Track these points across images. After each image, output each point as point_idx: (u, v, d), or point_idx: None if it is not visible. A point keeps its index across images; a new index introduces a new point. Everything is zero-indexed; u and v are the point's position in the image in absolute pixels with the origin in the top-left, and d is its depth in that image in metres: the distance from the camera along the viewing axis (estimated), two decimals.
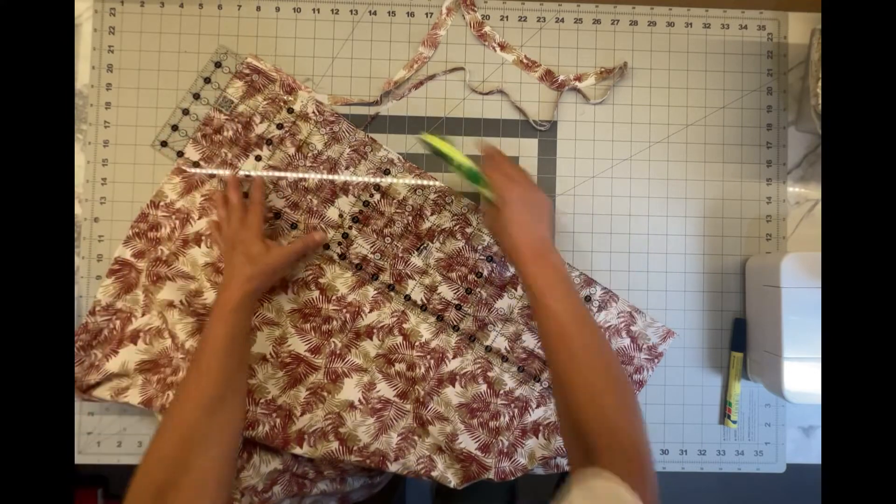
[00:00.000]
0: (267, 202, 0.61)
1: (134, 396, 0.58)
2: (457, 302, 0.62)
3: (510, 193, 0.51)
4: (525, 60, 0.64)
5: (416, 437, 0.60)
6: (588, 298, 0.63)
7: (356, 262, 0.62)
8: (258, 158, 0.62)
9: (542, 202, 0.53)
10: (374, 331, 0.61)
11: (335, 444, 0.59)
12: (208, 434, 0.46)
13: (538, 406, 0.62)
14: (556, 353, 0.47)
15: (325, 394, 0.60)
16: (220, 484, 0.46)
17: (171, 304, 0.59)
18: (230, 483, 0.48)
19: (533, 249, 0.50)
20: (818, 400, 0.55)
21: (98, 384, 0.59)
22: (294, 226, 0.62)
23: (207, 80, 0.62)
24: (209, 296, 0.60)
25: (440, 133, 0.58)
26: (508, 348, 0.62)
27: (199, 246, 0.60)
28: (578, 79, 0.64)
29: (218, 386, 0.48)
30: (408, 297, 0.62)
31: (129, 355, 0.59)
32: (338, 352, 0.61)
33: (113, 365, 0.59)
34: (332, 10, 0.63)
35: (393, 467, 0.60)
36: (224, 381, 0.49)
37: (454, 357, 0.62)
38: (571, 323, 0.47)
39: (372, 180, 0.62)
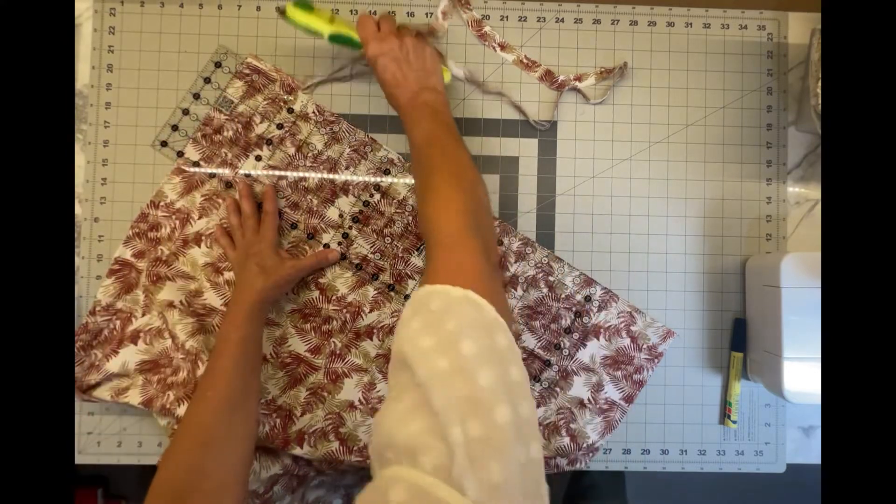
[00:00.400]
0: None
1: (134, 397, 0.58)
2: None
3: (374, 51, 0.53)
4: (525, 60, 0.64)
5: None
6: (588, 298, 0.63)
7: (356, 262, 0.62)
8: (258, 158, 0.62)
9: (411, 51, 0.53)
10: (375, 331, 0.61)
11: (335, 444, 0.59)
12: (226, 438, 0.46)
13: (538, 406, 0.62)
14: (416, 179, 0.48)
15: (326, 394, 0.60)
16: (239, 487, 0.46)
17: (171, 305, 0.59)
18: (247, 485, 0.49)
19: (406, 97, 0.52)
20: (818, 400, 0.55)
21: (98, 384, 0.59)
22: (294, 226, 0.62)
23: (207, 80, 0.62)
24: (209, 296, 0.60)
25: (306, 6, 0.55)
26: None
27: (199, 246, 0.60)
28: (578, 79, 0.64)
29: (234, 390, 0.49)
30: (408, 297, 0.62)
31: (129, 355, 0.59)
32: (338, 352, 0.61)
33: (113, 365, 0.59)
34: (333, 10, 0.63)
35: None
36: (240, 386, 0.49)
37: None
38: (424, 146, 0.48)
39: (372, 180, 0.62)
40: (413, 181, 0.62)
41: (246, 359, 0.51)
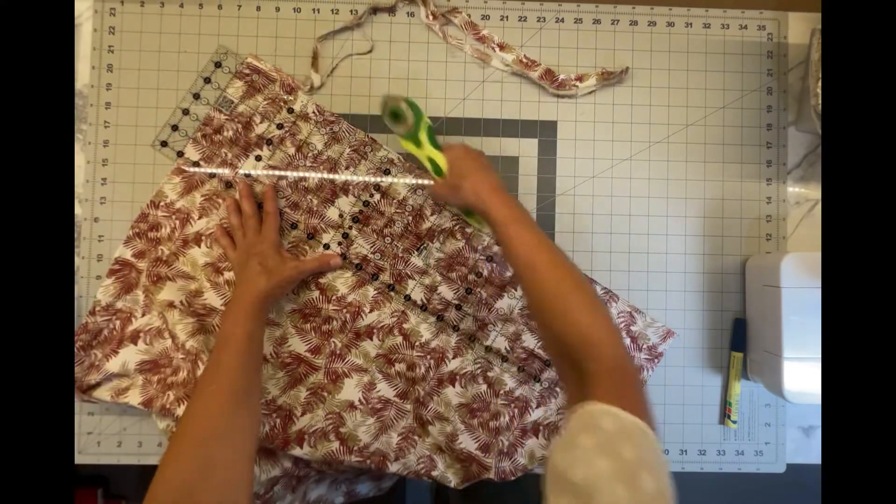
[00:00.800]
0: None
1: (134, 397, 0.58)
2: (457, 302, 0.62)
3: (465, 153, 0.55)
4: (525, 60, 0.64)
5: (416, 437, 0.60)
6: None
7: (356, 262, 0.62)
8: (258, 158, 0.62)
9: (483, 156, 0.56)
10: (374, 331, 0.61)
11: (336, 444, 0.59)
12: (230, 433, 0.46)
13: (538, 406, 0.62)
14: (531, 278, 0.48)
15: (326, 394, 0.60)
16: (245, 482, 0.46)
17: (171, 305, 0.59)
18: (252, 481, 0.48)
19: (492, 187, 0.52)
20: (818, 400, 0.55)
21: (98, 384, 0.59)
22: (294, 226, 0.62)
23: (207, 80, 0.62)
24: (209, 296, 0.60)
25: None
26: (508, 348, 0.62)
27: (199, 246, 0.60)
28: (579, 79, 0.64)
29: (238, 385, 0.49)
30: (408, 297, 0.62)
31: (129, 355, 0.59)
32: (338, 352, 0.61)
33: (113, 365, 0.59)
34: (332, 10, 0.63)
35: (393, 467, 0.60)
36: (244, 381, 0.49)
37: (454, 357, 0.62)
38: (536, 245, 0.48)
39: (372, 180, 0.62)
40: (413, 181, 0.62)
41: (249, 355, 0.51)
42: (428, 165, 0.56)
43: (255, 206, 0.60)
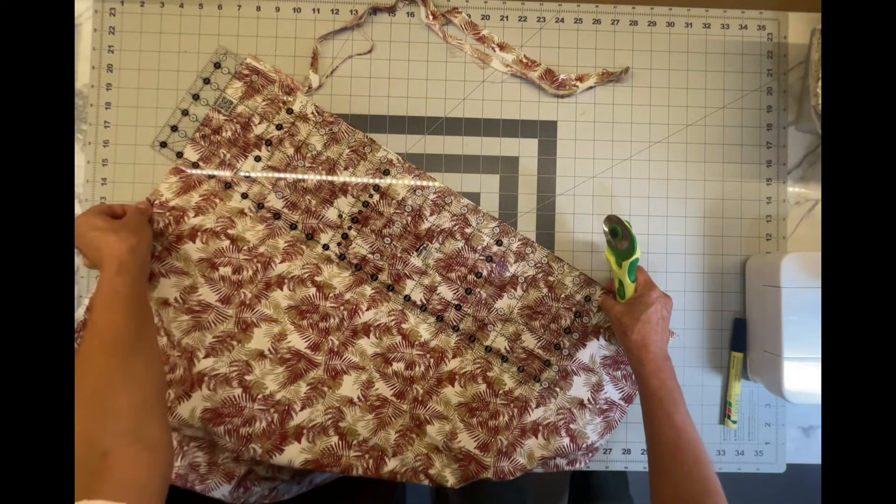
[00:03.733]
0: (265, 202, 0.61)
1: None
2: (456, 302, 0.62)
3: (657, 301, 0.55)
4: (525, 60, 0.64)
5: (413, 436, 0.61)
6: (588, 298, 0.63)
7: (355, 262, 0.62)
8: (257, 159, 0.62)
9: (669, 314, 0.57)
10: (372, 329, 0.61)
11: (335, 439, 0.59)
12: (127, 381, 0.45)
13: (538, 406, 0.62)
14: (670, 464, 0.49)
15: (326, 389, 0.60)
16: (159, 423, 0.44)
17: (165, 303, 0.59)
18: (167, 427, 0.46)
19: (661, 356, 0.53)
20: (818, 400, 0.55)
21: None
22: (293, 226, 0.62)
23: (207, 81, 0.62)
24: (203, 291, 0.60)
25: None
26: (508, 348, 0.62)
27: (194, 241, 0.60)
28: (580, 79, 0.64)
29: (125, 338, 0.47)
30: (407, 298, 0.62)
31: None
32: (335, 349, 0.61)
33: None
34: (332, 10, 0.63)
35: (391, 463, 0.60)
36: (133, 335, 0.48)
37: (454, 357, 0.62)
38: (690, 436, 0.50)
39: (371, 181, 0.62)
40: (412, 182, 0.62)
41: (131, 313, 0.49)
42: (616, 285, 0.59)
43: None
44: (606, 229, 0.58)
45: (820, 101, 0.58)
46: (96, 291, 0.50)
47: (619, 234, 0.57)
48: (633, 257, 0.56)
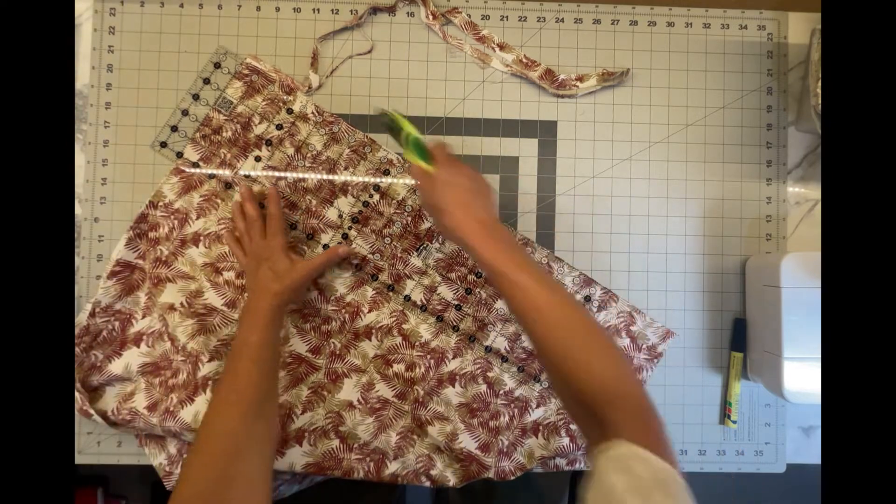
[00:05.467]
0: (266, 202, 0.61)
1: (140, 401, 0.58)
2: (456, 302, 0.62)
3: (454, 176, 0.50)
4: (525, 60, 0.64)
5: (414, 437, 0.61)
6: (588, 298, 0.63)
7: (355, 262, 0.62)
8: (258, 159, 0.62)
9: (486, 187, 0.52)
10: (373, 331, 0.61)
11: (336, 442, 0.59)
12: (252, 444, 0.46)
13: (538, 406, 0.62)
14: (534, 325, 0.45)
15: (326, 393, 0.60)
16: (263, 494, 0.45)
17: (171, 307, 0.59)
18: (270, 492, 0.48)
19: (483, 228, 0.48)
20: (818, 400, 0.55)
21: (100, 386, 0.59)
22: (293, 226, 0.62)
23: (207, 81, 0.62)
24: (209, 295, 0.60)
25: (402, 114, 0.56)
26: (508, 348, 0.62)
27: (198, 246, 0.60)
28: (580, 79, 0.64)
29: (255, 395, 0.48)
30: (407, 298, 0.62)
31: (132, 358, 0.59)
32: (337, 352, 0.61)
33: (116, 367, 0.59)
34: (332, 10, 0.63)
35: (392, 466, 0.60)
36: (261, 390, 0.49)
37: (454, 357, 0.62)
38: (540, 290, 0.45)
39: (371, 180, 0.62)
40: (412, 182, 0.62)
41: (265, 363, 0.51)
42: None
43: (258, 209, 0.60)
44: (385, 122, 0.55)
45: (820, 101, 0.58)
46: (239, 334, 0.52)
47: (392, 128, 0.53)
48: (404, 134, 0.52)
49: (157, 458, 0.59)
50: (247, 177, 0.62)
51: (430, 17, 0.63)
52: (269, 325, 0.52)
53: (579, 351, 0.43)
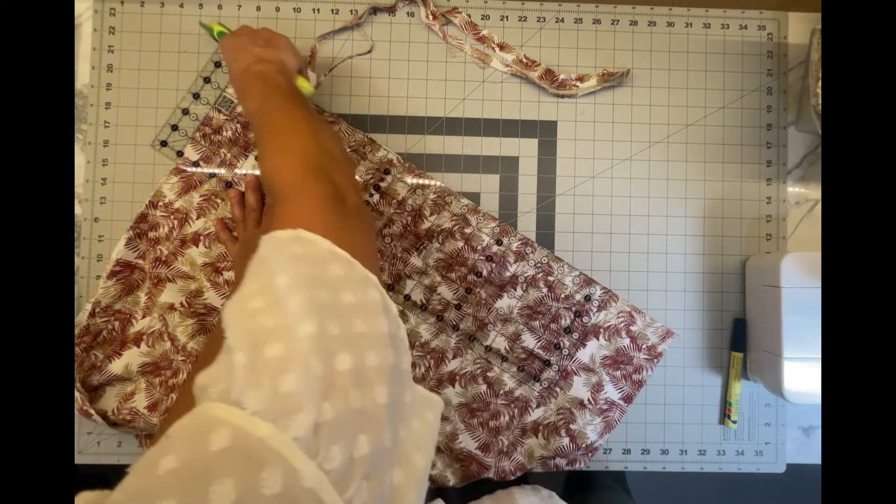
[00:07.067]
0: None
1: (140, 401, 0.58)
2: (456, 302, 0.62)
3: (224, 42, 0.54)
4: (524, 60, 0.64)
5: None
6: (588, 298, 0.63)
7: None
8: (258, 158, 0.62)
9: (257, 32, 0.54)
10: None
11: None
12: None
13: (538, 406, 0.62)
14: (255, 147, 0.47)
15: None
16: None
17: (171, 307, 0.59)
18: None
19: (239, 67, 0.51)
20: (818, 400, 0.55)
21: (100, 386, 0.59)
22: None
23: (207, 80, 0.62)
24: (209, 295, 0.60)
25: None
26: (508, 348, 0.62)
27: (198, 246, 0.60)
28: (580, 79, 0.64)
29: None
30: (407, 297, 0.62)
31: (132, 357, 0.59)
32: None
33: (116, 367, 0.59)
34: (332, 10, 0.63)
35: None
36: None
37: (454, 357, 0.62)
38: (258, 113, 0.46)
39: (371, 180, 0.62)
40: (412, 181, 0.62)
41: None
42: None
43: (260, 200, 0.60)
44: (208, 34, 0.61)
45: (820, 101, 0.58)
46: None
47: (209, 30, 0.60)
48: (216, 32, 0.59)
49: None
50: (246, 175, 0.61)
51: (430, 17, 0.63)
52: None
53: (260, 151, 0.45)
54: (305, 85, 0.55)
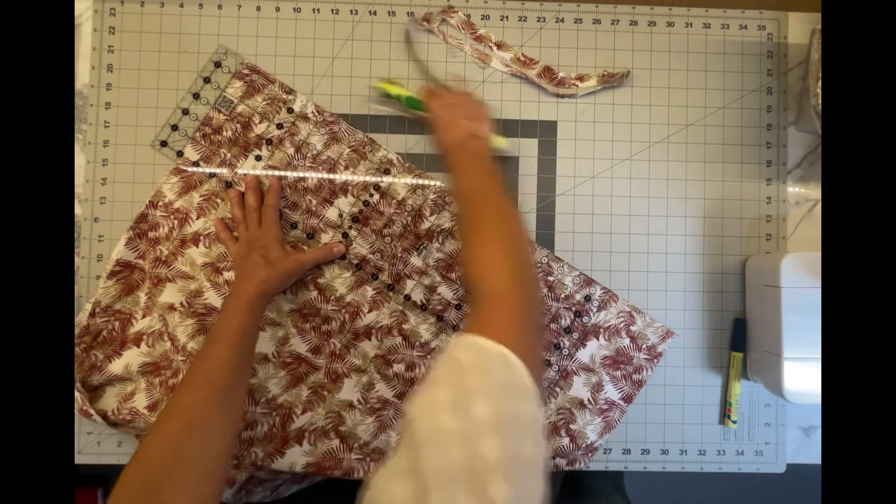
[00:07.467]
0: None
1: (140, 401, 0.58)
2: (457, 302, 0.62)
3: (434, 104, 0.57)
4: (522, 58, 0.64)
5: None
6: (588, 298, 0.63)
7: (356, 262, 0.62)
8: (258, 158, 0.62)
9: (463, 102, 0.57)
10: (373, 331, 0.61)
11: (336, 442, 0.59)
12: (213, 425, 0.45)
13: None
14: (461, 228, 0.47)
15: (326, 393, 0.60)
16: (215, 479, 0.44)
17: (171, 307, 0.59)
18: (224, 478, 0.47)
19: (454, 141, 0.53)
20: (818, 400, 0.55)
21: (100, 386, 0.59)
22: (294, 226, 0.62)
23: (207, 80, 0.62)
24: (209, 296, 0.60)
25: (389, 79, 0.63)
26: None
27: (197, 246, 0.60)
28: (580, 78, 0.64)
29: (226, 378, 0.48)
30: (407, 298, 0.62)
31: (132, 357, 0.59)
32: (337, 352, 0.61)
33: (116, 367, 0.59)
34: (332, 10, 0.63)
35: None
36: (234, 373, 0.48)
37: None
38: (473, 194, 0.48)
39: (371, 180, 0.62)
40: (412, 181, 0.62)
41: (242, 348, 0.50)
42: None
43: (260, 200, 0.60)
44: (381, 99, 0.62)
45: (820, 101, 0.58)
46: (221, 317, 0.52)
47: (388, 97, 0.61)
48: (400, 99, 0.60)
49: None
50: (246, 176, 0.62)
51: (426, 22, 0.63)
52: (251, 311, 0.52)
53: (471, 235, 0.45)
54: (502, 141, 0.59)
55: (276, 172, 0.61)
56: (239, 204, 0.60)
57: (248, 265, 0.55)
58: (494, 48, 0.64)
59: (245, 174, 0.61)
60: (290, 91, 0.62)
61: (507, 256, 0.42)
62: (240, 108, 0.62)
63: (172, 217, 0.61)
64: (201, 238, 0.60)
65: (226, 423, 0.47)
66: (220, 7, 0.63)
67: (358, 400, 0.60)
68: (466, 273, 0.43)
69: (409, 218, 0.62)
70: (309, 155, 0.62)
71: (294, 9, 0.63)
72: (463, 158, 0.51)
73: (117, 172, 0.62)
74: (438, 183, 0.62)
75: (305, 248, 0.61)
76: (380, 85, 0.61)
